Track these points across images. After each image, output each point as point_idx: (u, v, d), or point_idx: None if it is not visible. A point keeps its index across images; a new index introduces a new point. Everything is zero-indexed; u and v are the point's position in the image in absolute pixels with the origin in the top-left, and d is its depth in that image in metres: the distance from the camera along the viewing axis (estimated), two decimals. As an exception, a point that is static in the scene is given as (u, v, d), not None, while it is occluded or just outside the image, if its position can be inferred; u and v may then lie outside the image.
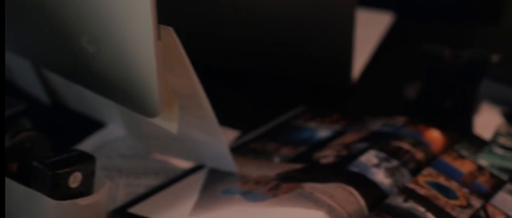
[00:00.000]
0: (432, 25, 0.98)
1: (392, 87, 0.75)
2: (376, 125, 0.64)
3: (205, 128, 0.54)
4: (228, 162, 0.57)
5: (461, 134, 0.62)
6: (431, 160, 0.58)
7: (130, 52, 0.48)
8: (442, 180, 0.55)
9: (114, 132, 0.64)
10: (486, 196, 0.54)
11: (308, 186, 0.52)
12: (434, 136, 0.61)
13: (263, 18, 0.72)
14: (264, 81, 0.76)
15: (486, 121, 0.68)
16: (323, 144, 0.61)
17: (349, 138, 0.62)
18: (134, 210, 0.53)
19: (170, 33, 0.47)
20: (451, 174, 0.56)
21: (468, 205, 0.52)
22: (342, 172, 0.55)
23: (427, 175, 0.55)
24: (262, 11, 0.72)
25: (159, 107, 0.48)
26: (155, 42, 0.45)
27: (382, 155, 0.57)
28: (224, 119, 0.67)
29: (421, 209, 0.51)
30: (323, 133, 0.64)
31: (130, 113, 0.52)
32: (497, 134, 0.63)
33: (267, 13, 0.71)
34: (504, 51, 0.89)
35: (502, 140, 0.62)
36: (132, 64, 0.48)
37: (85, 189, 0.48)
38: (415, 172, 0.55)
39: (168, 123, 0.51)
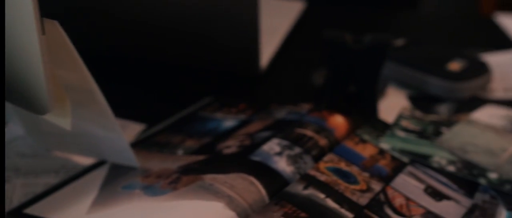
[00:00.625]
0: (347, 12, 0.99)
1: (301, 74, 0.75)
2: (282, 113, 0.64)
3: (103, 123, 0.53)
4: (129, 157, 0.56)
5: (364, 118, 0.63)
6: (335, 145, 0.58)
7: (16, 48, 0.46)
8: (343, 165, 0.55)
9: (13, 131, 0.62)
10: (387, 179, 0.54)
11: (209, 178, 0.52)
12: (338, 122, 0.61)
13: (166, 6, 0.70)
14: (171, 73, 0.75)
15: (392, 105, 0.69)
16: (228, 134, 0.61)
17: (253, 127, 0.61)
18: (30, 210, 0.51)
19: (55, 27, 0.45)
20: (353, 159, 0.56)
21: (368, 189, 0.53)
22: (244, 161, 0.54)
23: (328, 161, 0.55)
24: (164, 2, 0.70)
25: (49, 103, 0.46)
26: (40, 37, 0.44)
27: (285, 142, 0.57)
28: (129, 112, 0.66)
29: (321, 196, 0.51)
30: (229, 123, 0.63)
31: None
32: (400, 117, 0.64)
33: (169, 1, 0.70)
34: (420, 36, 0.91)
35: (405, 123, 0.63)
36: (19, 61, 0.46)
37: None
38: (318, 159, 0.55)
39: (61, 119, 0.49)
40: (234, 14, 0.68)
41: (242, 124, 0.62)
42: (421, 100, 0.70)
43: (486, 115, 0.66)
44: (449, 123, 0.64)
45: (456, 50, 0.74)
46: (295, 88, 0.73)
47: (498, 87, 0.73)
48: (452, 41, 0.87)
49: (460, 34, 0.92)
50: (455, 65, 0.70)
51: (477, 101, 0.70)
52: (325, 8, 0.99)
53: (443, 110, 0.68)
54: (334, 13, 0.97)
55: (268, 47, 0.78)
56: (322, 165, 0.54)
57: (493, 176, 0.56)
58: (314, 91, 0.70)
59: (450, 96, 0.70)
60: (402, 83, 0.73)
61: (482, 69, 0.72)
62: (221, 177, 0.52)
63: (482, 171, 0.56)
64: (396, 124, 0.63)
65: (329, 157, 0.56)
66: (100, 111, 0.52)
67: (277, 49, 0.80)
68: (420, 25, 0.98)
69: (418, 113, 0.66)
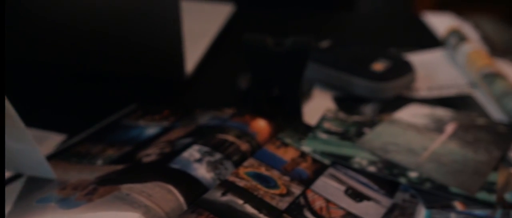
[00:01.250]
0: (281, 15, 0.99)
1: (229, 79, 0.75)
2: (205, 119, 0.63)
3: (15, 135, 0.52)
4: (45, 169, 0.54)
5: (288, 121, 0.62)
6: (257, 150, 0.57)
7: None
8: (263, 170, 0.55)
9: None
10: (307, 182, 0.54)
11: (126, 188, 0.51)
12: (260, 126, 0.61)
13: (85, 11, 0.69)
14: (94, 80, 0.74)
15: (318, 106, 0.69)
16: (149, 142, 0.60)
17: (175, 134, 0.60)
18: None
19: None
20: (273, 163, 0.56)
21: (288, 193, 0.52)
22: (163, 170, 0.53)
23: (249, 166, 0.55)
24: (82, 6, 0.69)
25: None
26: None
27: (206, 149, 0.56)
28: (50, 123, 0.64)
29: (240, 201, 0.50)
30: (151, 130, 0.62)
31: None
32: (323, 119, 0.64)
33: (88, 7, 0.69)
34: (354, 36, 0.92)
35: (327, 125, 0.63)
36: None
37: None
38: (240, 164, 0.55)
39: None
40: (155, 18, 0.67)
41: (164, 131, 0.61)
42: (347, 101, 0.71)
43: (409, 114, 0.67)
44: (372, 123, 0.64)
45: (381, 50, 0.75)
46: (222, 93, 0.73)
47: (423, 86, 0.74)
48: (383, 42, 0.88)
49: (392, 34, 0.93)
50: (378, 66, 0.71)
51: (402, 101, 0.70)
52: (257, 10, 0.99)
53: (368, 110, 0.68)
54: (266, 15, 0.97)
55: (195, 52, 0.78)
56: (241, 170, 0.54)
57: (413, 175, 0.56)
58: (239, 96, 0.70)
59: (374, 96, 0.70)
60: (328, 85, 0.73)
61: (406, 69, 0.72)
62: (138, 186, 0.51)
63: (403, 170, 0.56)
64: (318, 126, 0.63)
65: (249, 161, 0.55)
66: (12, 123, 0.50)
67: (204, 54, 0.79)
68: (354, 26, 0.99)
69: (341, 114, 0.66)
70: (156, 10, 0.66)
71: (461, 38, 0.79)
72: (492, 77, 0.70)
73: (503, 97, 0.67)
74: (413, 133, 0.63)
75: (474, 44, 0.78)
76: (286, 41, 0.64)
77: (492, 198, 0.54)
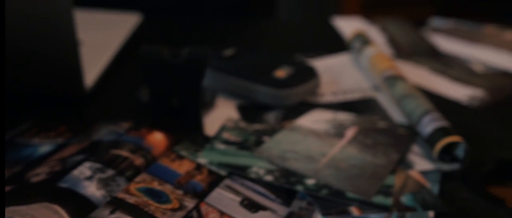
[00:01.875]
0: (190, 22, 0.98)
1: (132, 91, 0.73)
2: (100, 134, 0.61)
3: None
4: None
5: (187, 133, 0.61)
6: (152, 164, 0.56)
7: None
8: (155, 185, 0.53)
9: None
10: (202, 195, 0.53)
11: (10, 210, 0.49)
12: (157, 139, 0.60)
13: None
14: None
15: (222, 116, 0.68)
16: (41, 160, 0.58)
17: (68, 151, 0.59)
18: None
19: None
20: (167, 176, 0.55)
21: (181, 207, 0.51)
22: (50, 189, 0.52)
23: (140, 181, 0.53)
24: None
25: None
26: None
27: (97, 165, 0.54)
28: None
29: (129, 219, 0.49)
30: (45, 148, 0.60)
31: None
32: (222, 129, 0.63)
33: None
34: (268, 43, 0.91)
35: (226, 135, 0.62)
36: None
37: None
38: (133, 179, 0.54)
39: None
40: (47, 32, 0.65)
41: (58, 148, 0.59)
42: (251, 110, 0.70)
43: (310, 120, 0.67)
44: (273, 131, 0.63)
45: (284, 57, 0.75)
46: (124, 107, 0.71)
47: (327, 91, 0.74)
48: (295, 47, 0.88)
49: (304, 40, 0.93)
50: (281, 73, 0.70)
51: (306, 107, 0.70)
52: (167, 19, 0.98)
53: (271, 118, 0.68)
54: (176, 24, 0.96)
55: (96, 65, 0.76)
56: (132, 186, 0.52)
57: (310, 182, 0.56)
58: (140, 109, 0.68)
59: (278, 103, 0.70)
60: (232, 94, 0.72)
61: (310, 75, 0.72)
62: (23, 208, 0.49)
63: (300, 178, 0.56)
64: (216, 136, 0.62)
65: (141, 177, 0.54)
66: None
67: (107, 66, 0.77)
68: (268, 33, 0.99)
69: (242, 123, 0.65)
70: (48, 25, 0.64)
71: (365, 41, 0.80)
72: (393, 80, 0.71)
73: (402, 100, 0.67)
74: (313, 139, 0.62)
75: (376, 47, 0.78)
76: (183, 51, 0.62)
77: (388, 201, 0.54)
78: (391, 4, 2.41)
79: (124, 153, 0.56)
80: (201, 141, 0.61)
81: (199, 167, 0.57)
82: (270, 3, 1.41)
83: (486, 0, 2.55)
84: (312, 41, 0.94)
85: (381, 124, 0.66)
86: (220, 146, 0.60)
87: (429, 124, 0.62)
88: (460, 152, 0.59)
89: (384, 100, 0.72)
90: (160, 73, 0.62)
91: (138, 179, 0.53)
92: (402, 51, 0.86)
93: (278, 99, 0.69)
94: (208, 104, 0.69)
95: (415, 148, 0.63)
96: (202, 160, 0.58)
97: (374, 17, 1.00)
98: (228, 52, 0.74)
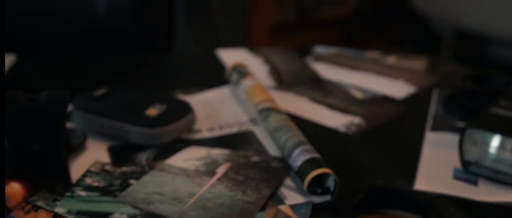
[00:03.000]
0: (70, 62, 0.95)
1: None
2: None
3: None
4: None
5: (45, 181, 0.58)
6: None
7: None
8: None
9: None
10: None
11: None
12: (13, 190, 0.56)
13: None
14: None
15: (91, 159, 0.65)
16: None
17: None
18: None
19: None
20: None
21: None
22: None
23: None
24: None
25: None
26: None
27: None
28: None
29: None
30: None
31: None
32: (85, 174, 0.60)
33: None
34: (151, 79, 0.89)
35: (89, 180, 0.59)
36: None
37: None
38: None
39: None
40: None
41: None
42: (123, 151, 0.67)
43: (181, 159, 0.65)
44: (141, 173, 0.61)
45: (158, 94, 0.73)
46: None
47: (204, 127, 0.73)
48: (177, 82, 0.86)
49: (188, 74, 0.92)
50: (153, 111, 0.68)
51: (181, 145, 0.68)
52: (46, 59, 0.95)
53: (143, 158, 0.66)
54: (55, 64, 0.93)
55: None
56: (-22, 245, 0.49)
57: (175, 225, 0.54)
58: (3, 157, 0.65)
59: (150, 143, 0.67)
60: (103, 135, 0.69)
61: (183, 111, 0.70)
62: None
63: (165, 222, 0.54)
64: (78, 183, 0.59)
65: (-11, 233, 0.51)
66: None
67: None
68: (156, 69, 0.97)
69: (109, 166, 0.63)
70: None
71: (242, 74, 0.79)
72: (267, 112, 0.70)
73: (275, 132, 0.66)
74: (182, 179, 0.60)
75: (253, 79, 0.77)
76: (40, 95, 0.60)
77: (255, 240, 0.52)
78: (298, 29, 2.43)
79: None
80: (61, 189, 0.58)
81: (56, 218, 0.54)
82: (168, 36, 1.39)
83: (392, 23, 2.61)
84: (202, 74, 0.93)
85: (255, 158, 0.65)
86: (82, 193, 0.57)
87: (299, 157, 0.61)
88: (330, 183, 0.59)
89: (261, 133, 0.71)
90: (16, 119, 0.59)
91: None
92: (283, 82, 0.86)
93: (150, 138, 0.67)
94: (77, 147, 0.66)
95: (288, 181, 0.62)
96: (60, 209, 0.55)
97: (281, 43, 1.00)
98: (99, 92, 0.72)
